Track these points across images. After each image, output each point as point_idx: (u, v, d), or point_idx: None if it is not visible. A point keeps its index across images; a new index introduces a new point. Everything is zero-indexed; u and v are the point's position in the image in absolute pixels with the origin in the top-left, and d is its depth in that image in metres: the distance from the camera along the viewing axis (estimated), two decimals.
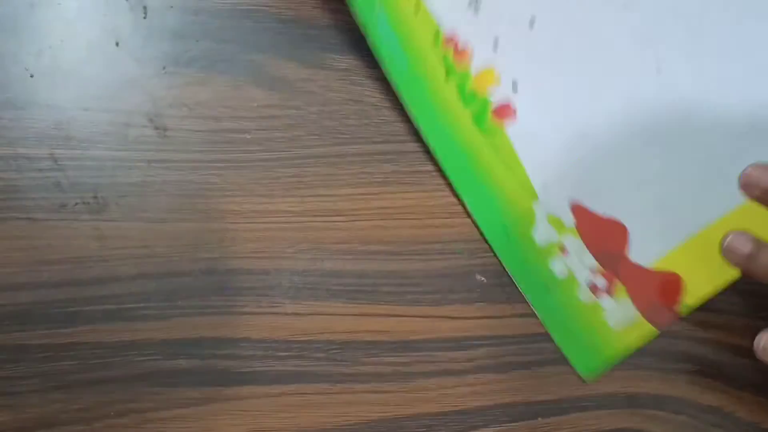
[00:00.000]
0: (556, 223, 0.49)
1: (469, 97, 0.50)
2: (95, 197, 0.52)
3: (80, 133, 0.54)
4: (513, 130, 0.49)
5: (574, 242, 0.49)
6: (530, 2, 0.47)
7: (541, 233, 0.50)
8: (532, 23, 0.47)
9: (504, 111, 0.50)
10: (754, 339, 0.46)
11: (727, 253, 0.44)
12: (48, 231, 0.51)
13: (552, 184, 0.49)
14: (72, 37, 0.57)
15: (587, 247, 0.49)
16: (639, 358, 0.54)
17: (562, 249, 0.50)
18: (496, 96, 0.49)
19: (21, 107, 0.54)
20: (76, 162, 0.53)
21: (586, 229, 0.49)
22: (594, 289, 0.49)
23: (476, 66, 0.50)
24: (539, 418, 0.54)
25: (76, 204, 0.52)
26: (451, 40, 0.50)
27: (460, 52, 0.50)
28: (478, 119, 0.50)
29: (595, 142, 0.47)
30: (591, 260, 0.49)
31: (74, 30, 0.57)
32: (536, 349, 0.55)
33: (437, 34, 0.50)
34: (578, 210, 0.48)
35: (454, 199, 0.57)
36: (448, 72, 0.50)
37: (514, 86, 0.49)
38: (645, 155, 0.45)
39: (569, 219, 0.49)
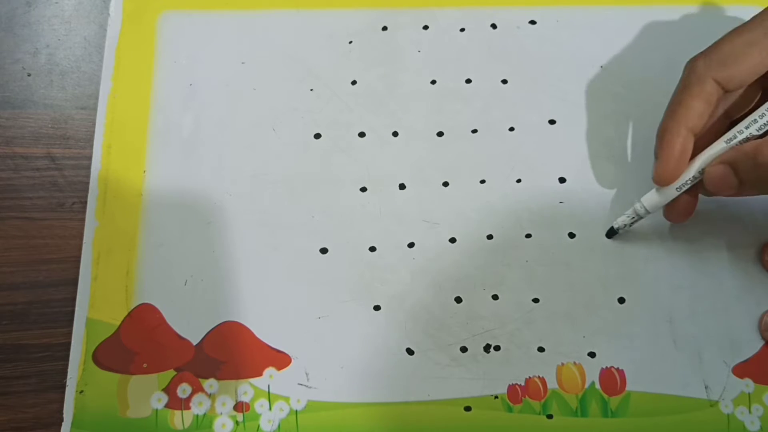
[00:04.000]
0: None
1: None
2: None
3: (77, 132, 0.54)
4: None
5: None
6: None
7: None
8: None
9: None
10: None
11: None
12: (45, 230, 0.51)
13: None
14: (69, 35, 0.57)
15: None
16: None
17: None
18: None
19: (18, 106, 0.54)
20: (74, 161, 0.53)
21: None
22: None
23: None
24: None
25: (74, 203, 0.52)
26: None
27: None
28: None
29: None
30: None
31: (71, 29, 0.57)
32: None
33: None
34: None
35: None
36: None
37: None
38: None
39: None
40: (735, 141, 0.46)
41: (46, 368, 0.49)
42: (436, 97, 0.55)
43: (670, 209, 0.50)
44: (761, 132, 0.45)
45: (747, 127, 0.45)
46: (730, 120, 0.49)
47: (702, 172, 0.47)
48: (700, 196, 0.50)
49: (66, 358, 0.49)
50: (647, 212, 0.49)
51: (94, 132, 0.54)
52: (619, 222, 0.51)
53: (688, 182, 0.47)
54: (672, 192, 0.48)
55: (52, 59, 0.56)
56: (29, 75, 0.55)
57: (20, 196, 0.52)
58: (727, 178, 0.45)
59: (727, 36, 0.46)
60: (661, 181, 0.48)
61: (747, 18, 0.46)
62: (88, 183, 0.52)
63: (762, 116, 0.45)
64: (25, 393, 0.48)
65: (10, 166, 0.53)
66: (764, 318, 0.50)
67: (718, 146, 0.46)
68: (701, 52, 0.47)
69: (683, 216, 0.50)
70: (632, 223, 0.51)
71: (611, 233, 0.52)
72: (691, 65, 0.47)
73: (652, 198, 0.49)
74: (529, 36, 0.57)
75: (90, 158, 0.53)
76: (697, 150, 0.47)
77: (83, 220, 0.51)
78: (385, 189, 0.53)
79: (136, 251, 0.51)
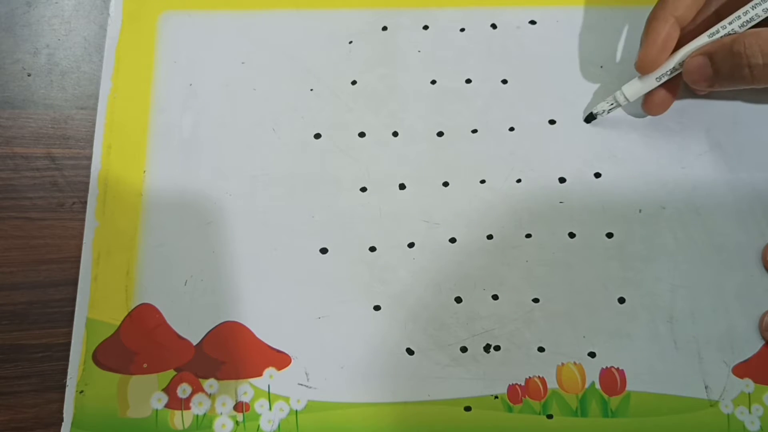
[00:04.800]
0: None
1: None
2: None
3: (77, 132, 0.54)
4: None
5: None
6: None
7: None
8: None
9: None
10: None
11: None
12: (45, 230, 0.51)
13: None
14: (69, 35, 0.57)
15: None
16: None
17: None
18: None
19: (18, 106, 0.54)
20: (74, 161, 0.53)
21: None
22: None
23: None
24: None
25: (74, 203, 0.52)
26: None
27: None
28: None
29: None
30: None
31: (71, 29, 0.57)
32: None
33: None
34: None
35: None
36: None
37: None
38: None
39: None
40: (717, 36, 0.48)
41: (46, 368, 0.49)
42: (436, 97, 0.55)
43: (648, 101, 0.53)
44: (744, 28, 0.47)
45: (730, 23, 0.47)
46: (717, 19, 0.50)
47: (682, 64, 0.49)
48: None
49: (66, 358, 0.49)
50: (626, 100, 0.52)
51: (94, 132, 0.54)
52: (598, 108, 0.53)
53: (668, 73, 0.50)
54: (651, 82, 0.51)
55: (52, 59, 0.56)
56: (29, 75, 0.55)
57: (20, 196, 0.52)
58: (703, 69, 0.48)
59: None
60: (643, 67, 0.50)
61: None
62: (88, 183, 0.52)
63: (746, 13, 0.47)
64: (25, 393, 0.48)
65: (10, 166, 0.53)
66: (764, 318, 0.50)
67: (701, 40, 0.48)
68: None
69: (660, 108, 0.53)
70: (610, 109, 0.53)
71: (590, 118, 0.54)
72: None
73: (632, 86, 0.51)
74: (529, 36, 0.57)
75: (90, 158, 0.53)
76: (683, 45, 0.49)
77: (83, 220, 0.51)
78: (385, 189, 0.53)
79: (136, 251, 0.51)
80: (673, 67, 0.49)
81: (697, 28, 0.50)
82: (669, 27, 0.48)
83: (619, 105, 0.52)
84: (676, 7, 0.48)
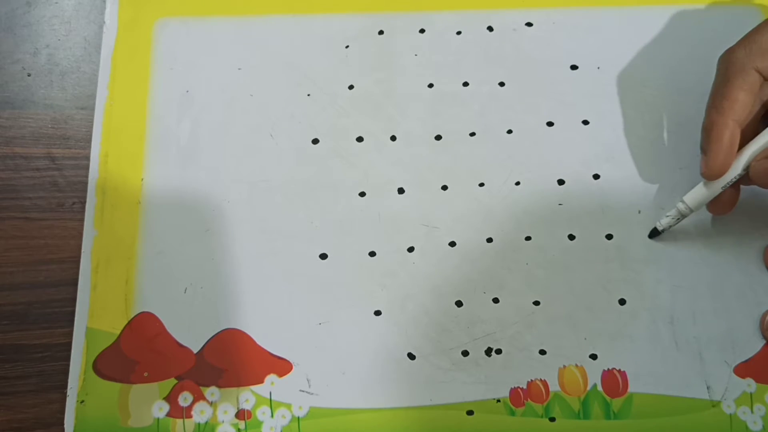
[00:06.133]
0: None
1: None
2: None
3: (77, 132, 0.54)
4: None
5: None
6: None
7: None
8: None
9: None
10: None
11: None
12: (45, 230, 0.51)
13: None
14: (69, 35, 0.57)
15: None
16: None
17: None
18: None
19: (18, 106, 0.54)
20: (73, 161, 0.53)
21: None
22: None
23: None
24: None
25: (74, 203, 0.52)
26: None
27: None
28: None
29: None
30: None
31: (71, 29, 0.57)
32: None
33: None
34: None
35: None
36: None
37: None
38: None
39: None
40: None
41: (46, 368, 0.48)
42: (433, 100, 0.55)
43: (714, 203, 0.49)
44: None
45: None
46: (766, 109, 0.48)
47: (747, 168, 0.47)
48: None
49: (66, 358, 0.48)
50: (691, 211, 0.49)
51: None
52: (663, 223, 0.51)
53: (734, 179, 0.47)
54: (716, 189, 0.48)
55: (52, 59, 0.56)
56: (29, 75, 0.55)
57: (20, 196, 0.52)
58: None
59: (763, 26, 0.46)
60: (711, 175, 0.47)
61: (743, 18, 0.47)
62: (87, 183, 0.52)
63: None
64: (25, 393, 0.48)
65: (10, 166, 0.53)
66: (765, 317, 0.50)
67: (763, 139, 0.47)
68: (738, 43, 0.47)
69: (729, 208, 0.50)
70: (676, 222, 0.50)
71: (654, 233, 0.52)
72: (730, 56, 0.47)
73: (695, 195, 0.49)
74: (526, 38, 0.57)
75: (89, 158, 0.53)
76: (741, 142, 0.47)
77: (83, 220, 0.51)
78: (384, 193, 0.53)
79: (135, 260, 0.51)
80: (738, 173, 0.47)
81: (750, 123, 0.48)
82: (731, 131, 0.46)
83: (683, 217, 0.50)
84: (734, 110, 0.46)
